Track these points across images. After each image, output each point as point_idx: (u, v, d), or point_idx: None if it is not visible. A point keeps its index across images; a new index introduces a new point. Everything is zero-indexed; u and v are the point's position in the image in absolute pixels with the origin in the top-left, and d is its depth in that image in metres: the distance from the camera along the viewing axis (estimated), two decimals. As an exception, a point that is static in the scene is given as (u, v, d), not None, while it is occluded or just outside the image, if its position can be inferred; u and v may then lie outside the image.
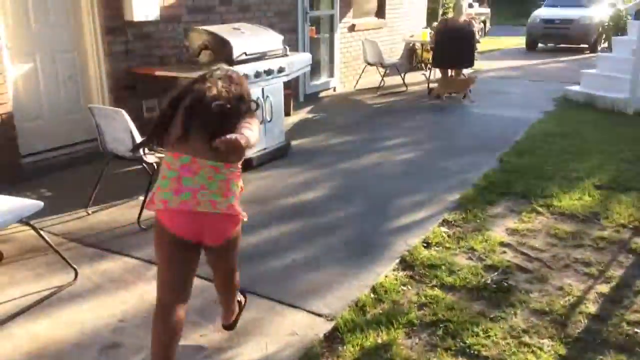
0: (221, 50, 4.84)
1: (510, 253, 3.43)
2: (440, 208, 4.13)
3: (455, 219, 3.91)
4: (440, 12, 11.47)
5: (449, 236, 3.65)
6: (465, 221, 3.88)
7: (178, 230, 2.08)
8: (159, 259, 2.19)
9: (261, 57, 5.06)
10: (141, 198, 4.00)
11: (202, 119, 2.01)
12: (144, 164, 3.83)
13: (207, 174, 2.04)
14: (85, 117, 4.27)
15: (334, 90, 8.79)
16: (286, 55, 5.37)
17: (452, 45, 7.80)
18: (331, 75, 8.70)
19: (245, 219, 2.18)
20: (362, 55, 8.93)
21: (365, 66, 9.00)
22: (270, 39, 5.28)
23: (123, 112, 3.66)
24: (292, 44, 7.48)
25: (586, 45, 14.52)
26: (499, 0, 22.50)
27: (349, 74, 9.18)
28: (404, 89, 8.91)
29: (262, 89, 5.03)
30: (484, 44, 17.41)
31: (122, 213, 4.03)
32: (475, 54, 8.08)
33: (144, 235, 3.66)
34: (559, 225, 3.79)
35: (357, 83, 9.04)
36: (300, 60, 5.56)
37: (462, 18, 7.97)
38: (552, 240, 3.59)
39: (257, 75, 4.91)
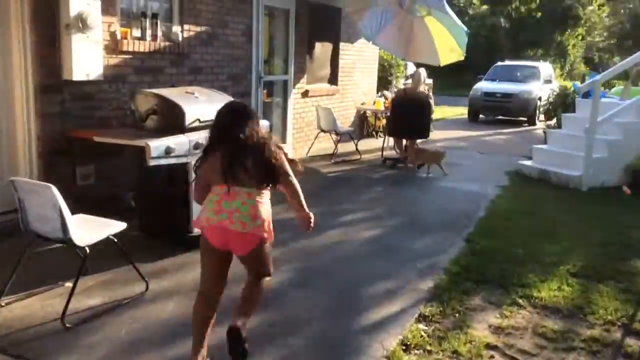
0: (172, 115, 4.39)
1: (499, 358, 3.04)
2: (414, 299, 3.73)
3: (432, 312, 3.51)
4: (395, 82, 11.56)
5: (428, 335, 3.23)
6: (443, 316, 3.49)
7: (213, 241, 2.70)
8: (201, 261, 2.80)
9: (215, 124, 4.64)
10: (68, 285, 3.38)
11: (240, 158, 2.67)
12: (76, 249, 3.24)
13: (242, 199, 2.67)
14: (8, 185, 3.64)
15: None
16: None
17: (410, 116, 7.71)
18: (284, 141, 8.38)
19: (270, 240, 2.80)
20: (316, 122, 8.70)
21: (319, 132, 8.76)
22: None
23: (52, 187, 3.09)
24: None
25: (525, 118, 15.15)
26: (437, 71, 23.42)
27: (301, 140, 8.90)
28: (357, 156, 8.69)
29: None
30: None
31: (42, 306, 3.36)
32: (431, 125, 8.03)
33: (68, 337, 3.02)
34: (545, 322, 3.46)
35: (309, 149, 8.75)
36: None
37: (421, 88, 7.93)
38: (541, 342, 3.24)
39: (211, 144, 4.47)
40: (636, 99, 7.08)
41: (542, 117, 15.52)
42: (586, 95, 7.95)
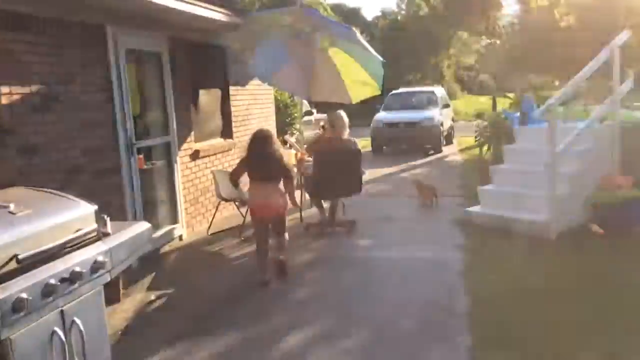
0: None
1: None
2: None
3: None
4: (295, 124, 10.02)
5: None
6: None
7: (257, 213, 4.94)
8: (253, 227, 5.24)
9: (54, 255, 2.68)
10: None
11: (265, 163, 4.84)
12: None
13: (269, 186, 4.91)
14: None
15: (180, 239, 6.48)
16: (104, 234, 3.06)
17: (340, 170, 6.16)
18: (174, 219, 6.41)
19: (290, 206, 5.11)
20: (214, 189, 6.85)
21: (220, 202, 6.92)
22: (70, 216, 2.93)
23: None
24: (114, 194, 5.15)
25: (430, 146, 14.36)
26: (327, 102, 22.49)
27: (198, 213, 6.99)
28: (270, 225, 6.94)
29: (62, 313, 2.64)
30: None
31: None
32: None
33: None
34: None
35: (210, 225, 6.85)
36: (130, 239, 3.25)
37: (346, 134, 6.43)
38: None
39: (48, 292, 2.53)
40: (588, 121, 6.10)
41: (444, 142, 14.91)
42: (523, 121, 6.91)
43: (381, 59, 6.88)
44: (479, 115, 26.56)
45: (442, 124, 14.67)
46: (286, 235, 5.07)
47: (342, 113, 6.49)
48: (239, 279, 5.17)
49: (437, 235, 6.18)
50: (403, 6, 35.53)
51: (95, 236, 2.97)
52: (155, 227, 6.07)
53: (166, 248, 6.15)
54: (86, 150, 4.91)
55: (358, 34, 6.60)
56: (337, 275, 5.18)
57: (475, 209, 6.60)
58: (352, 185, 6.37)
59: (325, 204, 6.73)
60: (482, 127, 7.81)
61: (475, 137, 8.21)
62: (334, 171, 6.17)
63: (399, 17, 34.82)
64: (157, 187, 6.24)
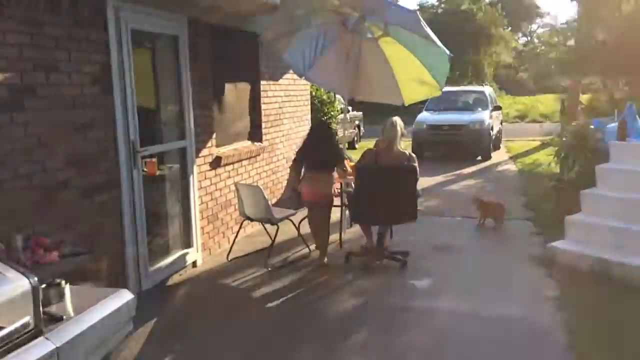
0: None
1: None
2: None
3: None
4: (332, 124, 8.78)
5: None
6: None
7: (308, 197, 5.25)
8: (308, 208, 5.41)
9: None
10: None
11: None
12: None
13: (319, 177, 5.19)
14: None
15: (194, 265, 5.33)
16: (50, 320, 1.88)
17: (387, 192, 4.91)
18: (187, 242, 5.25)
19: (336, 196, 5.55)
20: (238, 205, 5.67)
21: (243, 221, 5.74)
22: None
23: None
24: (108, 217, 4.00)
25: (478, 153, 12.95)
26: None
27: (217, 231, 5.82)
28: (304, 249, 5.74)
29: None
30: (362, 150, 15.33)
31: None
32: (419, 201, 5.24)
33: None
34: None
35: (231, 249, 5.66)
36: (96, 325, 2.04)
37: (398, 146, 5.15)
38: None
39: None
40: None
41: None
42: (622, 135, 5.52)
43: (448, 52, 5.58)
44: (546, 117, 24.81)
45: (492, 128, 13.24)
46: (328, 228, 5.37)
47: (397, 120, 5.20)
48: (266, 331, 3.97)
49: (517, 279, 4.88)
50: (443, -1, 33.87)
51: (30, 331, 1.79)
52: (164, 252, 4.93)
53: (175, 278, 5.00)
54: (73, 160, 3.76)
55: (422, 20, 5.30)
56: (389, 340, 3.89)
57: (560, 243, 5.26)
58: (403, 211, 5.09)
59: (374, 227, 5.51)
60: (566, 137, 6.38)
61: (556, 152, 6.79)
62: (380, 192, 4.91)
63: (439, 11, 33.10)
64: (167, 203, 5.10)
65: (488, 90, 15.31)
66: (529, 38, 50.51)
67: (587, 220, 5.22)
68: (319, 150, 5.23)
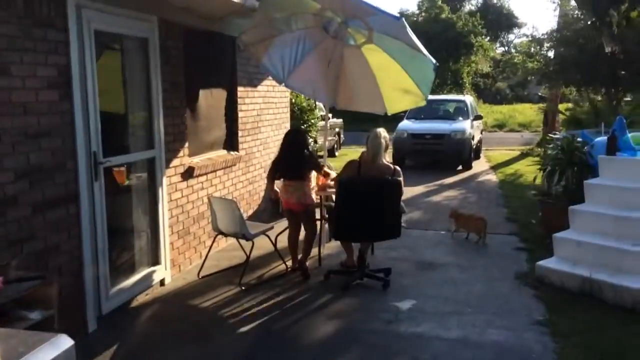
0: None
1: None
2: None
3: None
4: (312, 132, 8.49)
5: None
6: None
7: (287, 206, 5.16)
8: (287, 218, 5.33)
9: None
10: None
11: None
12: None
13: (296, 186, 5.02)
14: None
15: (162, 284, 4.97)
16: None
17: (370, 207, 4.63)
18: (155, 259, 4.88)
19: (315, 202, 5.34)
20: (211, 220, 5.33)
21: (216, 235, 5.40)
22: None
23: None
24: (64, 234, 3.64)
25: (460, 163, 12.82)
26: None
27: (188, 246, 5.47)
28: (281, 265, 5.42)
29: None
30: (342, 157, 15.09)
31: None
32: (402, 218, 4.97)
33: None
34: None
35: (202, 266, 5.31)
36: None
37: (382, 158, 4.87)
38: None
39: None
40: None
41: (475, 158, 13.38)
42: (612, 149, 5.35)
43: (434, 60, 5.34)
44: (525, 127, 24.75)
45: (473, 138, 13.11)
46: (313, 236, 5.29)
47: (382, 132, 4.92)
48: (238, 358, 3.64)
49: (505, 301, 4.63)
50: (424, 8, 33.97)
51: None
52: (128, 271, 4.57)
53: (141, 298, 4.63)
54: (24, 172, 3.39)
55: (408, 27, 5.05)
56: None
57: (548, 262, 5.04)
58: (387, 228, 4.82)
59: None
60: (551, 150, 6.18)
61: (542, 164, 6.60)
62: (362, 207, 4.63)
63: (419, 19, 33.16)
64: (132, 217, 4.73)
65: (469, 99, 15.22)
66: (507, 48, 51.22)
67: (576, 238, 5.02)
68: (291, 159, 5.08)
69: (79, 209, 3.82)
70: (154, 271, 4.80)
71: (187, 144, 5.34)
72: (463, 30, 31.28)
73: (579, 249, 4.91)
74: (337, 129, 16.29)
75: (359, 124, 19.16)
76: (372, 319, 4.32)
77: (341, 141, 16.97)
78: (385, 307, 4.51)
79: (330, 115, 15.55)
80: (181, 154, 5.25)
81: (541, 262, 5.05)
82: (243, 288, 4.90)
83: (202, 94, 5.76)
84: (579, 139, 6.08)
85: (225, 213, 5.02)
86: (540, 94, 47.89)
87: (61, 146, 3.69)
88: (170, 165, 5.06)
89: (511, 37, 50.32)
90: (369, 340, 3.95)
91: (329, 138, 15.25)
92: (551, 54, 15.30)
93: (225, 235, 5.25)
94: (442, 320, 4.26)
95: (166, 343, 3.90)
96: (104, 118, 4.07)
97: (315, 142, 10.93)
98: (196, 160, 5.58)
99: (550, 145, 6.51)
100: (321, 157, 6.57)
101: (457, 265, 5.57)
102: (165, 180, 4.94)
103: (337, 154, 16.02)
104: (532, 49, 17.29)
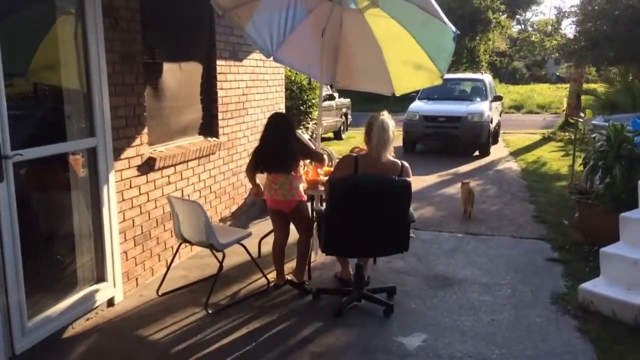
0: None
1: None
2: None
3: None
4: (311, 114, 7.43)
5: None
6: None
7: (272, 206, 4.24)
8: (271, 220, 4.37)
9: None
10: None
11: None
12: None
13: (281, 180, 4.10)
14: None
15: (110, 304, 4.00)
16: None
17: (370, 216, 3.60)
18: (100, 275, 3.91)
19: (304, 198, 4.27)
20: (173, 225, 4.33)
21: (180, 244, 4.41)
22: None
23: None
24: None
25: (476, 148, 11.74)
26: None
27: (150, 253, 4.49)
28: (261, 279, 4.44)
29: None
30: (350, 140, 14.03)
31: None
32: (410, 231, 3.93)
33: None
34: None
35: (163, 281, 4.32)
36: None
37: (388, 154, 3.79)
38: None
39: None
40: None
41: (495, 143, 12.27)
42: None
43: (454, 28, 4.25)
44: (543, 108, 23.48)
45: (491, 121, 11.97)
46: (308, 238, 4.35)
47: (389, 120, 3.82)
48: None
49: (539, 336, 3.60)
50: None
51: None
52: (61, 292, 3.60)
53: (80, 325, 3.68)
54: None
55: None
56: None
57: (595, 285, 3.99)
58: (390, 241, 3.79)
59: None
60: (599, 142, 5.06)
61: (584, 158, 5.51)
62: (358, 216, 3.60)
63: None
64: (66, 224, 3.75)
65: (488, 78, 14.01)
66: (523, 26, 49.34)
67: (631, 255, 3.96)
68: (273, 148, 4.16)
69: (-25, 219, 2.84)
70: (96, 290, 3.83)
71: (145, 130, 4.32)
72: (481, 5, 29.81)
73: (635, 270, 3.85)
74: (344, 110, 15.19)
75: (369, 103, 17.98)
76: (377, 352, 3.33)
77: (348, 122, 15.87)
78: (387, 345, 3.50)
79: (336, 94, 14.51)
80: (137, 142, 4.23)
81: (585, 285, 4.00)
82: (210, 311, 3.93)
83: (169, 68, 4.73)
84: (628, 127, 4.96)
85: (188, 218, 4.02)
86: (557, 73, 46.14)
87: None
88: (122, 156, 4.05)
89: (529, 14, 48.49)
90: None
91: (335, 119, 14.17)
92: (571, 30, 14.14)
93: (191, 244, 4.25)
94: (474, 345, 3.26)
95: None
96: (19, 99, 3.07)
97: (320, 126, 9.88)
98: (160, 150, 4.57)
99: (593, 135, 5.39)
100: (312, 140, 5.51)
101: (478, 282, 4.53)
102: (113, 176, 3.94)
103: (344, 136, 14.95)
104: (550, 26, 16.03)
